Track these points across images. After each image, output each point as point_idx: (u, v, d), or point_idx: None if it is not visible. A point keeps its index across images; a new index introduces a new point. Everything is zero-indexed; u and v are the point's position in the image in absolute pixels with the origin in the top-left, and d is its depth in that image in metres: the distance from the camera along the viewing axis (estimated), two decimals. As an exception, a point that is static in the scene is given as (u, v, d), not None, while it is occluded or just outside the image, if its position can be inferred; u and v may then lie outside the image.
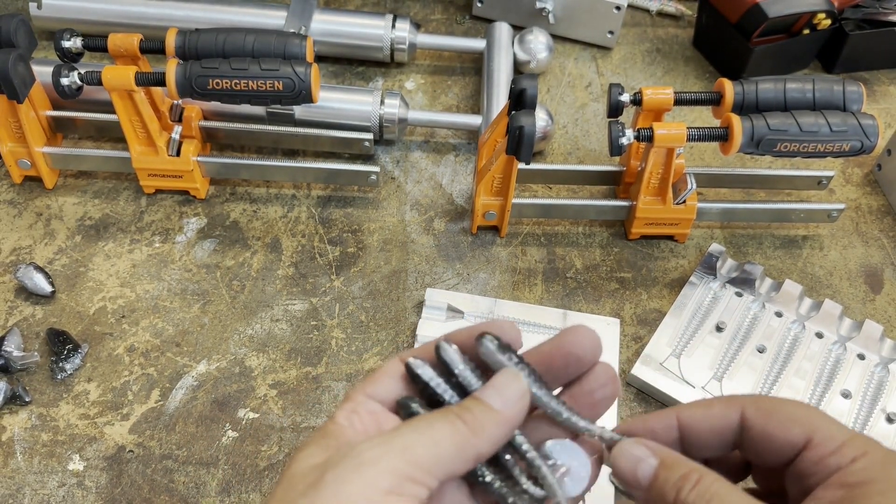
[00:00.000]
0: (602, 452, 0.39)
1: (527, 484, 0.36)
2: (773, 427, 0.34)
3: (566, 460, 0.37)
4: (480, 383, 0.37)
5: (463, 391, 0.38)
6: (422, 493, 0.32)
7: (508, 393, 0.36)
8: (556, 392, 0.40)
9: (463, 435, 0.34)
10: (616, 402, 0.64)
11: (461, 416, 0.34)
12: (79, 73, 0.69)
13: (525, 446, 0.37)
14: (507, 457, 0.37)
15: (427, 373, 0.38)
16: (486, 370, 0.38)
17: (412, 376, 0.38)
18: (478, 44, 0.88)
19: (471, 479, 0.37)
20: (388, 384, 0.38)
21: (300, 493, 0.32)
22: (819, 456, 0.32)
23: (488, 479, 0.36)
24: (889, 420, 0.63)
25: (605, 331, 0.68)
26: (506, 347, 0.37)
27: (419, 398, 0.38)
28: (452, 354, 0.38)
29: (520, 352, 0.39)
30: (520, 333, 0.38)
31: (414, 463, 0.32)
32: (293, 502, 0.32)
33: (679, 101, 0.70)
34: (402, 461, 0.32)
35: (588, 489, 0.38)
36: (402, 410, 0.37)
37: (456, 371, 0.37)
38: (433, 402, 0.38)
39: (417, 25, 0.88)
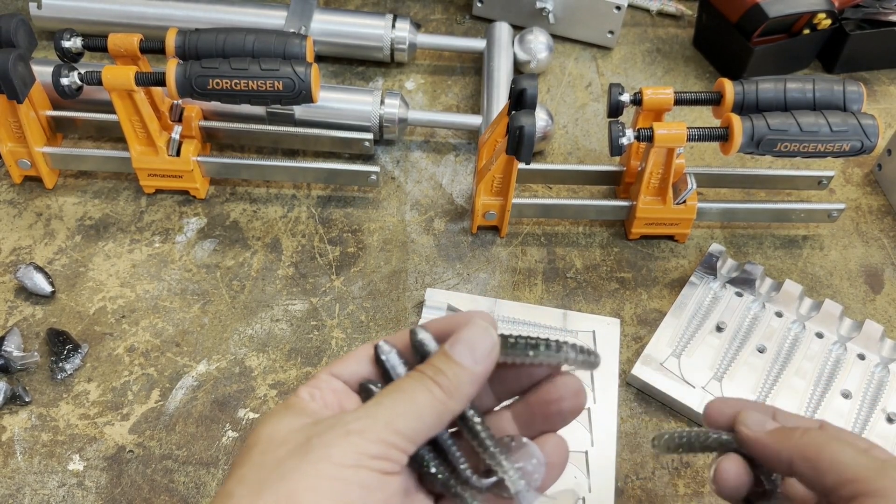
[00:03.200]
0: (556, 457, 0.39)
1: (472, 476, 0.37)
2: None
3: (522, 459, 0.37)
4: None
5: None
6: (403, 459, 0.34)
7: (480, 349, 0.36)
8: (511, 401, 0.41)
9: (441, 402, 0.35)
10: (616, 403, 0.64)
11: (437, 381, 0.35)
12: (79, 73, 0.69)
13: (489, 441, 0.37)
14: (456, 451, 0.37)
15: (392, 360, 0.38)
16: None
17: (377, 360, 0.38)
18: (478, 44, 0.88)
19: (417, 468, 0.37)
20: (354, 366, 0.38)
21: (287, 453, 0.33)
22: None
23: (433, 470, 0.37)
24: (889, 420, 0.63)
25: (606, 331, 0.68)
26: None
27: (382, 382, 0.38)
28: (428, 340, 0.38)
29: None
30: (496, 326, 0.39)
31: (398, 433, 0.34)
32: (280, 462, 0.33)
33: (679, 101, 0.70)
34: (388, 431, 0.33)
35: (541, 491, 0.38)
36: (364, 395, 0.38)
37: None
38: None
39: (417, 25, 0.88)
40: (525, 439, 0.38)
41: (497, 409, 0.41)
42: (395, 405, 0.35)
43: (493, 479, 0.37)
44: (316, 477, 0.32)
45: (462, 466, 0.37)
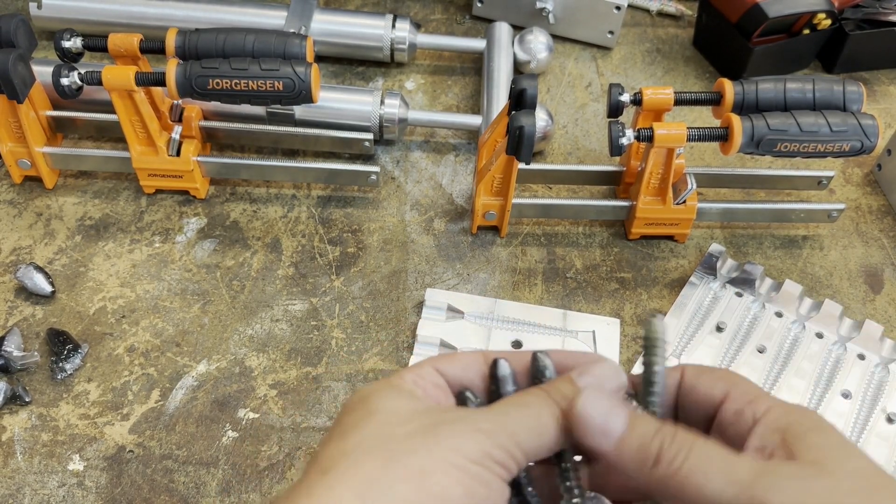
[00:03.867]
0: None
1: None
2: (701, 381, 0.37)
3: None
4: None
5: None
6: (515, 471, 0.34)
7: (608, 387, 0.36)
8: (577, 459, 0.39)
9: (562, 428, 0.35)
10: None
11: (562, 407, 0.35)
12: (79, 73, 0.69)
13: (577, 491, 0.36)
14: (528, 490, 0.37)
15: (507, 384, 0.38)
16: None
17: (492, 376, 0.38)
18: (478, 44, 0.88)
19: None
20: (459, 370, 0.38)
21: (415, 430, 0.33)
22: (737, 407, 0.35)
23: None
24: (889, 420, 0.63)
25: (606, 331, 0.68)
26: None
27: (485, 398, 0.38)
28: (549, 367, 0.38)
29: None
30: (623, 378, 0.38)
31: (520, 445, 0.34)
32: (409, 436, 0.32)
33: (679, 101, 0.70)
34: (511, 441, 0.33)
35: None
36: (459, 402, 0.38)
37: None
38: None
39: (417, 25, 0.88)
40: (606, 500, 0.37)
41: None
42: (521, 418, 0.34)
43: None
44: (446, 462, 0.32)
45: None
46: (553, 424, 0.34)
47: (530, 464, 0.37)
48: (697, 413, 0.37)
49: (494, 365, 0.38)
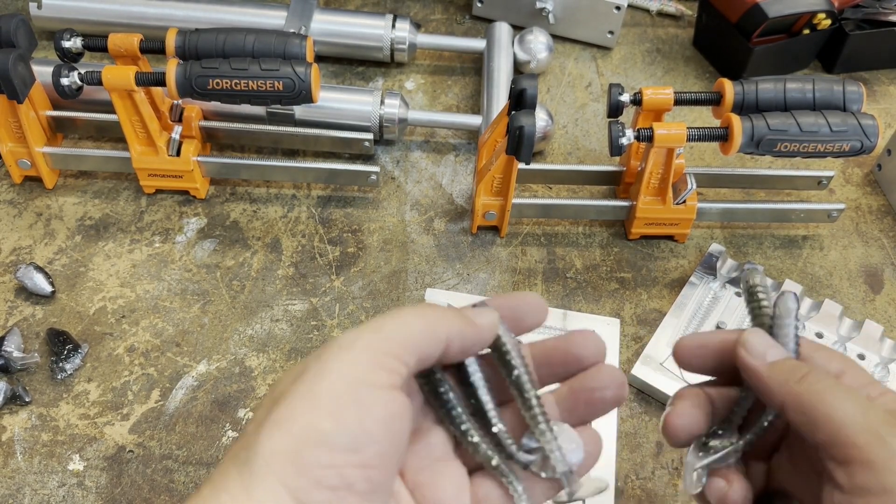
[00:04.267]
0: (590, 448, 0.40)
1: (517, 452, 0.37)
2: (818, 355, 0.40)
3: (562, 442, 0.37)
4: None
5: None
6: (401, 369, 0.33)
7: (483, 316, 0.37)
8: (555, 386, 0.41)
9: (429, 319, 0.35)
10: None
11: (428, 307, 0.36)
12: (79, 73, 0.69)
13: (541, 417, 0.37)
14: (499, 427, 0.37)
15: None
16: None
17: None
18: (478, 44, 0.88)
19: (459, 438, 0.37)
20: None
21: (287, 382, 0.33)
22: (852, 385, 0.37)
23: (475, 439, 0.36)
24: (889, 420, 0.63)
25: (605, 331, 0.68)
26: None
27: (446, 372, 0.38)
28: (504, 333, 0.38)
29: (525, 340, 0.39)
30: (545, 310, 0.40)
31: (387, 339, 0.34)
32: (282, 392, 0.33)
33: (679, 101, 0.70)
34: (376, 339, 0.33)
35: (576, 478, 0.38)
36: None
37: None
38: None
39: (417, 25, 0.88)
40: (566, 425, 0.38)
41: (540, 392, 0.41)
42: (383, 317, 0.35)
43: (536, 455, 0.37)
44: (310, 397, 0.32)
45: (508, 441, 0.37)
46: (418, 318, 0.35)
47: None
48: None
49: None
